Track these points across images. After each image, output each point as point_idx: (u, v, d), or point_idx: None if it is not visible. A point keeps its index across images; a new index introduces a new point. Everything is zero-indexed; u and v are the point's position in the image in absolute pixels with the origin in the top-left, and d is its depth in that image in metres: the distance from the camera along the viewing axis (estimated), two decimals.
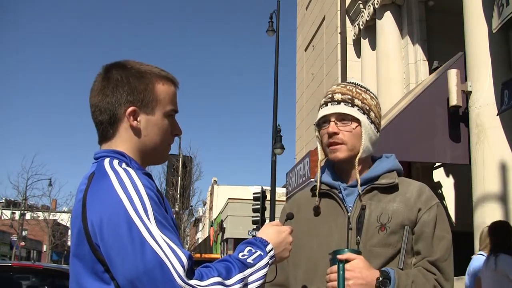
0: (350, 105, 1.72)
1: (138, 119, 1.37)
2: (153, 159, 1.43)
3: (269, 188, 14.57)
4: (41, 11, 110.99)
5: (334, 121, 1.72)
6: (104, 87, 1.37)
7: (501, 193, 5.70)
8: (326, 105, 1.76)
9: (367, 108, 1.73)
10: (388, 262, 1.63)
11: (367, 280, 1.51)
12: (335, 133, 1.71)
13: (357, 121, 1.71)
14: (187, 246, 24.32)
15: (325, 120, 1.75)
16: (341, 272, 1.50)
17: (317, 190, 1.78)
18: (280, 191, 24.83)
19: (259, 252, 1.33)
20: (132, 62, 1.42)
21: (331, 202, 1.76)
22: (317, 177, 1.80)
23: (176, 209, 17.76)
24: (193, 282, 1.16)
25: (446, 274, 1.65)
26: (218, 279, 1.19)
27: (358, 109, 1.72)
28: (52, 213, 41.45)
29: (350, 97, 1.73)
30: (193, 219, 36.30)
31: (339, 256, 1.51)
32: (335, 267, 1.52)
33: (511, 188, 5.71)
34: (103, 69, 1.41)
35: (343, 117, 1.72)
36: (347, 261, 1.52)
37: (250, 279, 1.27)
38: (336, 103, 1.73)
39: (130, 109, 1.35)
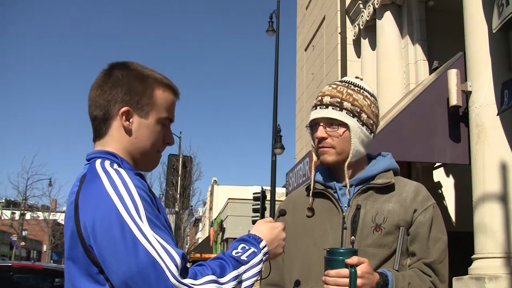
0: (338, 108, 1.68)
1: (131, 120, 1.36)
2: (142, 163, 1.41)
3: (269, 188, 14.57)
4: (38, 8, 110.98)
5: (322, 125, 1.70)
6: (104, 83, 1.38)
7: (501, 193, 5.69)
8: (316, 108, 1.73)
9: (358, 110, 1.69)
10: (383, 263, 1.62)
11: (372, 285, 1.50)
12: (324, 138, 1.69)
13: (346, 125, 1.68)
14: (187, 246, 24.27)
15: (315, 123, 1.73)
16: (353, 278, 1.43)
17: (311, 191, 1.76)
18: (280, 191, 24.85)
19: (252, 249, 1.32)
20: (136, 64, 1.42)
21: (326, 201, 1.74)
22: (311, 177, 1.78)
23: (176, 209, 17.74)
24: (187, 281, 1.15)
25: (441, 276, 1.65)
26: (212, 277, 1.19)
27: (347, 113, 1.68)
28: (52, 213, 41.38)
29: (339, 100, 1.69)
30: (193, 219, 36.29)
31: (348, 261, 1.45)
32: (343, 271, 1.44)
33: (511, 188, 5.70)
34: (107, 66, 1.42)
35: (331, 122, 1.69)
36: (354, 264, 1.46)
37: (245, 276, 1.26)
38: (324, 106, 1.70)
39: (123, 108, 1.35)
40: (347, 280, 1.43)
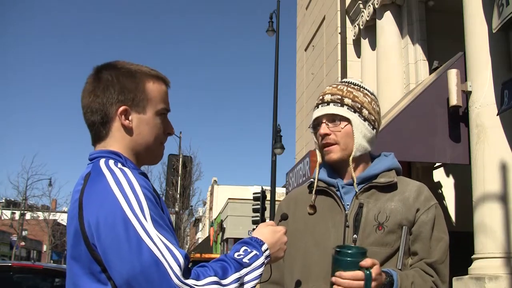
0: (339, 104, 1.72)
1: (130, 118, 1.37)
2: (147, 158, 1.42)
3: (269, 188, 14.57)
4: (38, 8, 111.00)
5: (325, 122, 1.73)
6: (95, 87, 1.37)
7: (501, 193, 5.70)
8: (318, 107, 1.77)
9: (359, 106, 1.73)
10: (385, 261, 1.62)
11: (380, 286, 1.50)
12: (327, 134, 1.72)
13: (347, 120, 1.71)
14: (187, 246, 24.27)
15: (318, 122, 1.76)
16: (369, 281, 1.42)
17: (314, 188, 1.77)
18: (280, 191, 24.86)
19: (254, 252, 1.33)
20: (122, 62, 1.42)
21: (329, 199, 1.75)
22: (315, 174, 1.79)
23: (176, 209, 17.73)
24: (189, 281, 1.15)
25: (443, 276, 1.66)
26: (215, 278, 1.19)
27: (348, 108, 1.72)
28: (52, 213, 41.34)
29: (339, 96, 1.73)
30: (193, 219, 36.26)
31: (364, 264, 1.43)
32: (359, 274, 1.42)
33: (511, 188, 5.70)
34: (94, 70, 1.41)
35: (333, 118, 1.72)
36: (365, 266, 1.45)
37: (246, 278, 1.27)
38: (326, 104, 1.74)
39: (121, 108, 1.35)
40: (362, 283, 1.43)
